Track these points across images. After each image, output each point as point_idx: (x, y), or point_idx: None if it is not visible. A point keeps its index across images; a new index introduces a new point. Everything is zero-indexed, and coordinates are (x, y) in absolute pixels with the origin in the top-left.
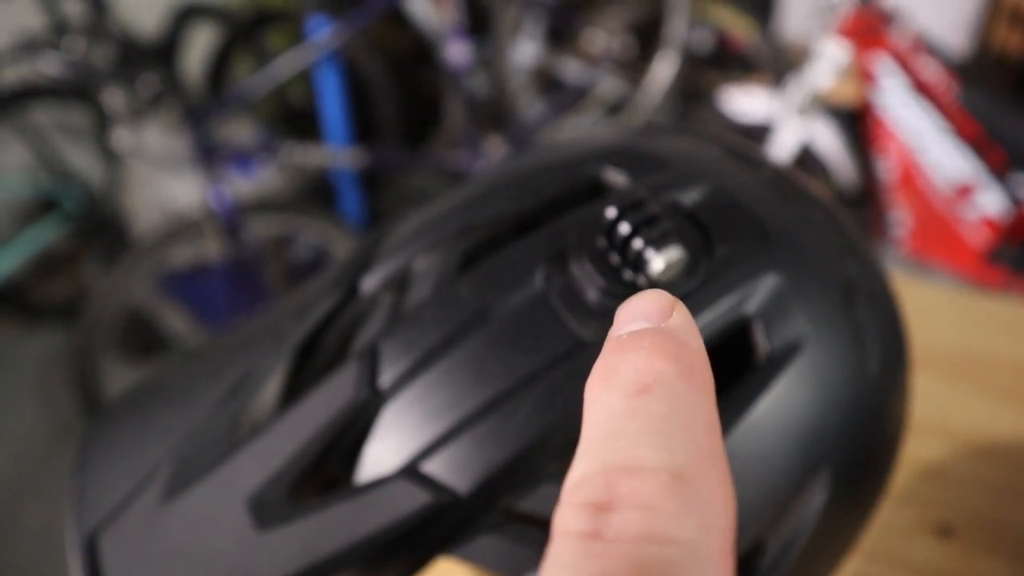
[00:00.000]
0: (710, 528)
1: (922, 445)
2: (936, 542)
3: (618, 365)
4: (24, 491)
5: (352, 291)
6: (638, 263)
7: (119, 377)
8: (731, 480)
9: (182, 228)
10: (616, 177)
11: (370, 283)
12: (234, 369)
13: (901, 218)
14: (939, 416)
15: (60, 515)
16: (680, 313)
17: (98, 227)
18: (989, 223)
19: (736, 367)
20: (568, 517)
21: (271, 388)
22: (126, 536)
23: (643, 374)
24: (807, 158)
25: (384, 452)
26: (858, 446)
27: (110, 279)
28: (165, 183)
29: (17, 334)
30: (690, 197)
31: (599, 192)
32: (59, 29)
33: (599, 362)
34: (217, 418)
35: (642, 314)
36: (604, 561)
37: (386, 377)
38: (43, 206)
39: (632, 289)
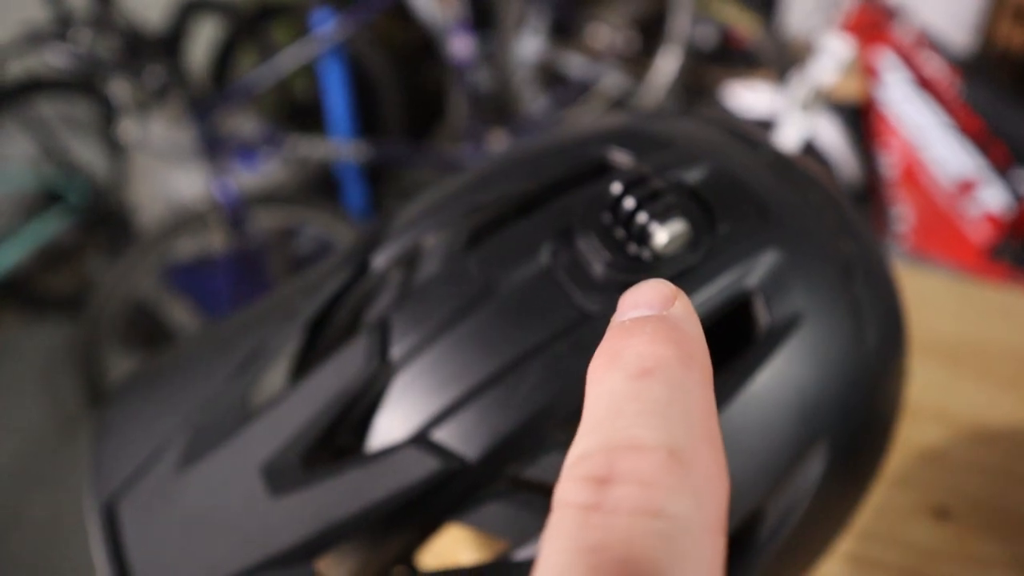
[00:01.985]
0: (703, 505)
1: (921, 430)
2: (933, 524)
3: (621, 349)
4: (29, 482)
5: (363, 268)
6: (642, 236)
7: (124, 369)
8: (725, 462)
9: (187, 220)
10: (621, 157)
11: (380, 260)
12: (247, 344)
13: (903, 214)
14: (939, 402)
15: (65, 506)
16: (682, 302)
17: (103, 219)
18: (991, 219)
19: (737, 340)
20: (569, 490)
21: (283, 361)
22: (143, 503)
23: (645, 358)
24: (810, 153)
25: (394, 421)
26: (855, 418)
27: (115, 271)
28: (170, 175)
29: (22, 326)
30: (693, 176)
31: (604, 172)
32: (64, 21)
33: (602, 346)
34: (231, 390)
35: (645, 302)
36: (601, 531)
37: (396, 349)
38: (48, 199)
39: (637, 262)
